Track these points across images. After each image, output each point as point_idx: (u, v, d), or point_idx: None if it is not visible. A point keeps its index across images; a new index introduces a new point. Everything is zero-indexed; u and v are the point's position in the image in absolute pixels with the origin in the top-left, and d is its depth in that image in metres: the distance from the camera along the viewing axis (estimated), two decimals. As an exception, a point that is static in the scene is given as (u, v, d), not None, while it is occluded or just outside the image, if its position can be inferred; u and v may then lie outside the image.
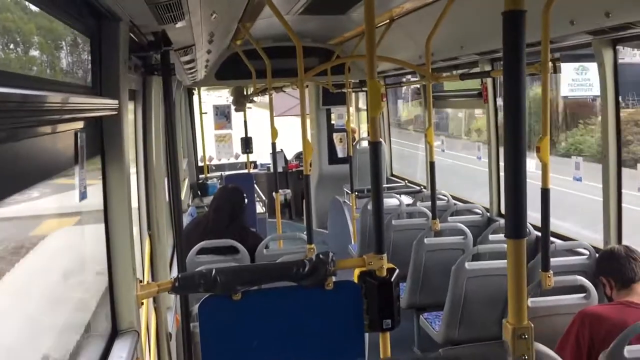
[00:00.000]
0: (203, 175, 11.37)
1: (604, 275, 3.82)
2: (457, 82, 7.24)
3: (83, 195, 2.16)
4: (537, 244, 5.34)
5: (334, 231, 9.99)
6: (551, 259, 4.26)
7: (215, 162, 12.70)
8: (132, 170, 3.00)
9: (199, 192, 10.74)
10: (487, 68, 6.24)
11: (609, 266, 3.79)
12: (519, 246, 1.83)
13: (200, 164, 11.56)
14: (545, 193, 4.10)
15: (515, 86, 1.70)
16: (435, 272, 5.77)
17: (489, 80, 6.52)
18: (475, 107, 7.14)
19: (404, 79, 10.04)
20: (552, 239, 4.53)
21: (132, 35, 2.92)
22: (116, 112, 2.45)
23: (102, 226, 2.66)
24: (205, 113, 11.65)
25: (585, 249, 4.74)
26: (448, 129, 24.42)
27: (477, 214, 6.79)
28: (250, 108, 12.43)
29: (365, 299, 2.99)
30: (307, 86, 10.94)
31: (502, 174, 6.77)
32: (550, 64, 4.23)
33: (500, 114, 6.68)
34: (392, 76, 9.59)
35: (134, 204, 3.53)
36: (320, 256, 2.88)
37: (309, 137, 5.16)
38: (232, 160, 12.85)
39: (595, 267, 3.92)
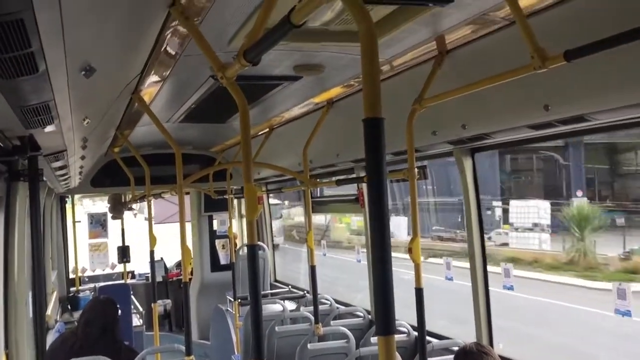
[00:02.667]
0: (74, 288, 10.63)
1: None
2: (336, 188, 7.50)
3: None
4: (416, 344, 5.43)
5: (217, 342, 9.58)
6: (429, 359, 4.34)
7: (88, 273, 11.97)
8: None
9: (69, 306, 9.98)
10: (362, 174, 6.55)
11: None
12: (388, 343, 1.85)
13: (71, 275, 10.84)
14: (419, 293, 4.24)
15: (378, 190, 1.79)
16: (320, 379, 5.65)
17: (364, 186, 6.83)
18: (353, 211, 7.39)
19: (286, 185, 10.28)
20: (429, 338, 4.64)
21: (-5, 139, 2.79)
22: (-29, 220, 2.28)
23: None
24: (79, 222, 11.11)
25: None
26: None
27: (359, 316, 6.84)
28: (135, 215, 12.04)
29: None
30: (188, 193, 10.84)
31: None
32: (417, 170, 4.55)
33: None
34: (273, 182, 9.78)
35: None
36: (196, 367, 2.75)
37: (190, 244, 5.06)
38: (108, 270, 12.18)
39: None
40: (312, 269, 6.21)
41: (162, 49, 3.67)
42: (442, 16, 3.41)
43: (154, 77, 4.45)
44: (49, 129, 2.69)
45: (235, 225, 10.72)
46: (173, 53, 3.83)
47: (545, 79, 3.23)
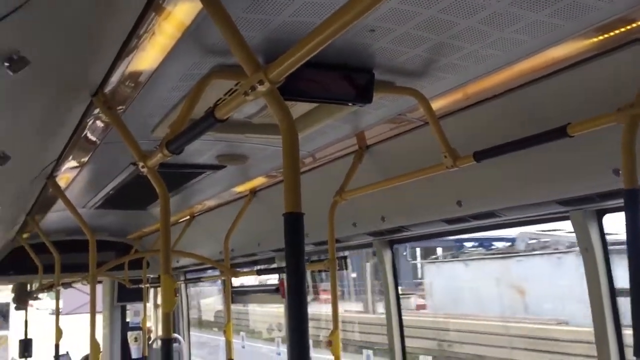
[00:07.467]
0: (-34, 387, 9.68)
1: None
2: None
3: None
4: None
5: None
6: None
7: (-16, 369, 10.98)
8: None
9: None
10: (283, 264, 6.51)
11: None
12: None
13: (-36, 372, 9.90)
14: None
15: (297, 283, 1.81)
16: None
17: (285, 276, 6.76)
18: (274, 302, 7.27)
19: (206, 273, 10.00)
20: None
21: None
22: None
23: None
24: (-22, 312, 10.29)
25: None
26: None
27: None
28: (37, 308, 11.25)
29: None
30: (100, 282, 10.34)
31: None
32: (339, 260, 4.59)
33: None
34: (192, 271, 9.52)
35: None
36: None
37: (99, 337, 4.79)
38: (7, 366, 11.24)
39: None
40: (230, 364, 5.97)
41: (82, 135, 3.62)
42: (361, 114, 3.58)
43: (71, 163, 4.35)
44: (-48, 215, 2.55)
45: (150, 315, 10.25)
46: (93, 139, 3.78)
47: (458, 177, 3.41)
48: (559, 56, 2.72)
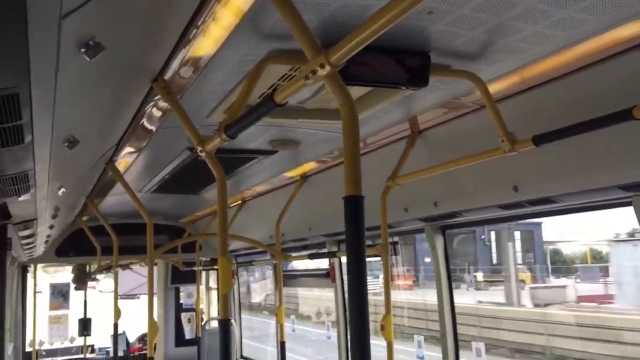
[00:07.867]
0: (31, 363, 10.14)
1: None
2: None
3: None
4: None
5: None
6: None
7: (46, 346, 11.45)
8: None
9: (23, 382, 9.49)
10: (334, 249, 6.55)
11: None
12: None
13: (28, 349, 10.36)
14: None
15: (358, 265, 1.82)
16: None
17: (336, 260, 6.80)
18: (324, 286, 7.32)
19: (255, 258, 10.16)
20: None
21: (-34, 207, 2.75)
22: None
23: None
24: (40, 292, 10.74)
25: None
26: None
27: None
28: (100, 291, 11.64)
29: None
30: (156, 264, 10.64)
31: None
32: (390, 246, 4.58)
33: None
34: (243, 255, 9.68)
35: None
36: None
37: (155, 317, 4.93)
38: (67, 344, 11.69)
39: None
40: (282, 345, 6.06)
41: (141, 121, 3.72)
42: (415, 98, 3.55)
43: (129, 148, 4.47)
44: (23, 197, 2.67)
45: (201, 297, 10.49)
46: (151, 125, 3.87)
47: (515, 161, 3.35)
48: (624, 36, 2.63)
